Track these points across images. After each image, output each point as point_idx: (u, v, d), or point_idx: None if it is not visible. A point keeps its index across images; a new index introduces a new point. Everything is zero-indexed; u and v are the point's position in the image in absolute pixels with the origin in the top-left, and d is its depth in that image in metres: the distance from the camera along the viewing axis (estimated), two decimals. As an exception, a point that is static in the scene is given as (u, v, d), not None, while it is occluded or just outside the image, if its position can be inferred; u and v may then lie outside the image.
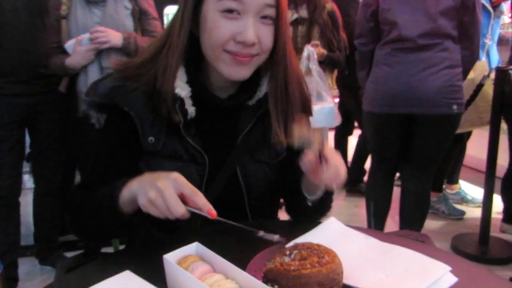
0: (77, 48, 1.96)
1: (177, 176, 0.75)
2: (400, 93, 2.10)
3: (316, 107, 2.34)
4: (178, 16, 0.89)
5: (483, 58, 2.96)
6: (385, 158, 2.38)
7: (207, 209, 0.73)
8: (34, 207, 2.38)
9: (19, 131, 2.19)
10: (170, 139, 0.92)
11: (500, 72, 2.45)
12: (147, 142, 0.91)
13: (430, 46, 2.04)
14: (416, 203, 2.33)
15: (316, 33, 2.68)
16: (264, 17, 0.85)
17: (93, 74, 1.98)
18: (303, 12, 2.69)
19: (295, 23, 2.70)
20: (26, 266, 2.44)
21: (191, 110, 0.91)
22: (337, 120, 2.53)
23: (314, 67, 2.49)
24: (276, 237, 0.75)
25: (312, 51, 2.52)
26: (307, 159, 0.80)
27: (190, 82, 0.91)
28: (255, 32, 0.83)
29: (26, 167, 2.41)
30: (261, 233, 0.75)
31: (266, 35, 0.86)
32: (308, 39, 2.66)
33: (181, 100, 0.89)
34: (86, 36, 1.97)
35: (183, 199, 0.74)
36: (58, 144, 2.27)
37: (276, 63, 0.92)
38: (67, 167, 2.41)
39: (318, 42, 2.61)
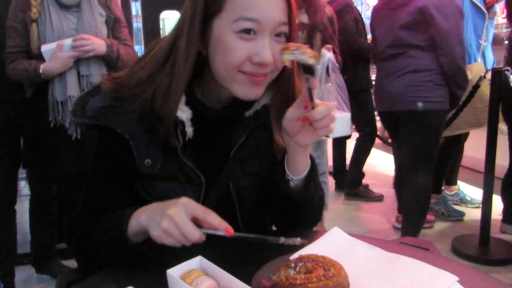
0: (57, 54, 1.87)
1: (186, 200, 0.74)
2: (380, 94, 2.64)
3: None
4: (184, 34, 0.83)
5: (479, 59, 2.98)
6: (397, 150, 2.86)
7: (224, 227, 0.73)
8: (30, 214, 2.36)
9: (10, 138, 2.16)
10: (166, 161, 0.88)
11: (496, 73, 2.45)
12: (143, 165, 0.87)
13: (396, 55, 2.45)
14: (412, 195, 2.52)
15: (318, 39, 2.48)
16: (278, 34, 0.82)
17: (71, 82, 1.93)
18: (303, 17, 2.48)
19: None
20: (23, 275, 2.41)
21: (189, 131, 0.87)
22: (352, 129, 2.43)
23: (333, 74, 2.28)
24: (298, 241, 0.74)
25: (331, 57, 2.27)
26: (291, 111, 0.80)
27: (189, 103, 0.88)
28: (271, 52, 0.81)
29: (22, 173, 2.39)
30: (282, 240, 0.74)
31: (280, 53, 0.83)
32: (310, 46, 2.51)
33: (182, 124, 0.86)
34: (68, 41, 1.89)
35: (196, 222, 0.73)
36: (52, 150, 2.22)
37: (285, 79, 0.90)
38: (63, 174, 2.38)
39: (331, 46, 2.41)
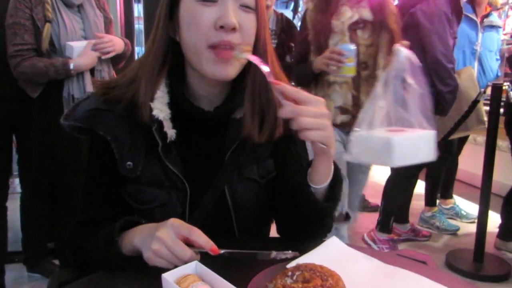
0: (89, 52, 1.94)
1: (173, 220, 0.73)
2: None
3: (414, 135, 1.47)
4: (155, 19, 0.86)
5: (475, 65, 3.04)
6: None
7: (209, 246, 0.72)
8: (21, 212, 2.34)
9: (5, 136, 2.14)
10: (149, 164, 0.87)
11: (496, 88, 2.46)
12: (125, 168, 0.86)
13: None
14: (387, 182, 2.82)
15: (385, 39, 1.90)
16: (245, 5, 0.82)
17: (88, 80, 1.97)
18: (366, 13, 1.89)
19: (353, 26, 1.89)
20: (14, 273, 2.38)
21: (170, 132, 0.86)
22: (436, 152, 1.56)
23: (411, 77, 1.60)
24: (289, 254, 0.74)
25: (409, 56, 1.58)
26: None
27: (172, 103, 0.87)
28: (235, 16, 0.80)
29: (16, 170, 2.37)
30: (273, 254, 0.74)
31: (247, 23, 0.82)
32: (376, 50, 1.92)
33: (159, 123, 0.85)
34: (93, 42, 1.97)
35: (187, 241, 0.72)
36: (45, 149, 2.14)
37: (256, 53, 0.86)
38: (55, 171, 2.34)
39: (408, 42, 1.83)
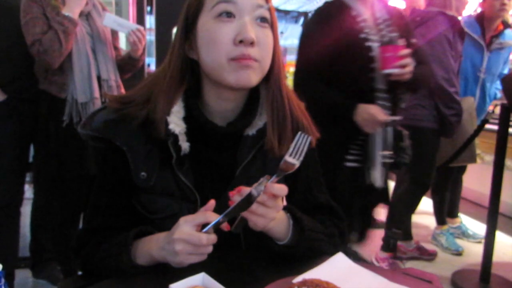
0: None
1: (181, 219, 0.76)
2: None
3: None
4: (171, 44, 0.89)
5: (477, 92, 2.92)
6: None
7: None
8: (32, 217, 2.35)
9: (23, 140, 2.16)
10: (162, 175, 0.89)
11: (505, 108, 2.45)
12: (139, 178, 0.88)
13: None
14: (395, 199, 2.78)
15: None
16: (259, 19, 0.84)
17: (95, 84, 1.98)
18: None
19: None
20: (19, 279, 2.38)
21: (185, 146, 0.88)
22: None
23: None
24: (263, 181, 0.78)
25: None
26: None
27: (187, 118, 0.89)
28: (253, 31, 0.82)
29: (26, 176, 2.39)
30: (256, 190, 0.77)
31: (264, 37, 0.85)
32: None
33: (175, 136, 0.87)
34: (117, 20, 2.02)
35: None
36: (51, 154, 2.11)
37: (273, 68, 0.90)
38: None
39: None
